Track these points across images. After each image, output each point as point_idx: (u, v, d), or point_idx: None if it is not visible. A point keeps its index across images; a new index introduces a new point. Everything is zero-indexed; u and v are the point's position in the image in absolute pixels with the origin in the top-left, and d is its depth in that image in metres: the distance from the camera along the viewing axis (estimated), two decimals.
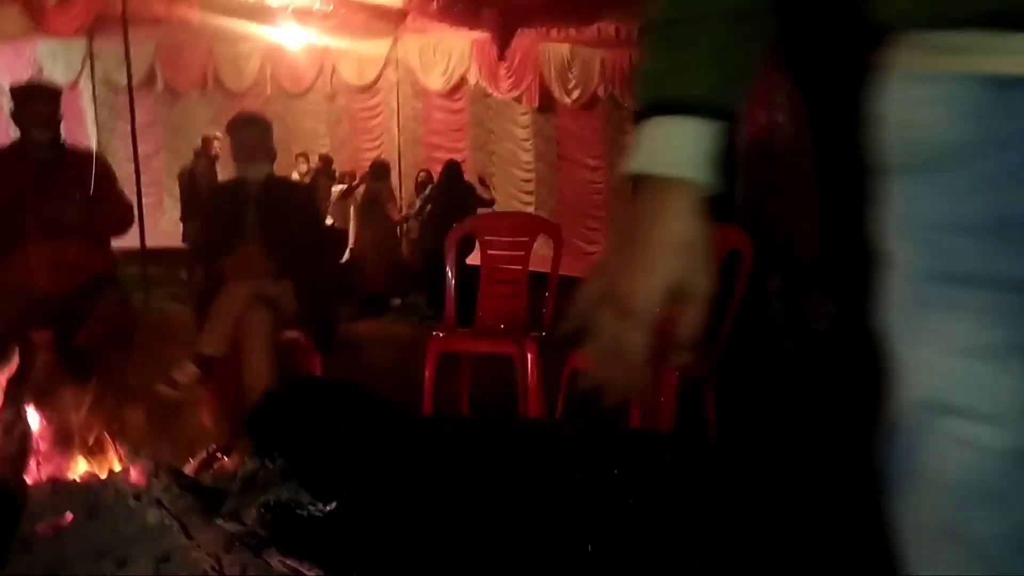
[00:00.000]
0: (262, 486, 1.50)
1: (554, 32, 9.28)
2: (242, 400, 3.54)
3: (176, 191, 8.55)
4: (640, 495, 1.80)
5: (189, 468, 1.90)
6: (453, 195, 7.94)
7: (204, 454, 1.93)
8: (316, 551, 1.45)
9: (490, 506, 1.56)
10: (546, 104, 9.62)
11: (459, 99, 10.08)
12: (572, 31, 9.16)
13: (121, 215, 3.65)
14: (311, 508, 1.47)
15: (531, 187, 10.24)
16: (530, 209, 10.23)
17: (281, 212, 3.78)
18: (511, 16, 8.07)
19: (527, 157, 10.24)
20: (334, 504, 1.48)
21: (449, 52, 9.59)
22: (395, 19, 8.47)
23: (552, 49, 9.28)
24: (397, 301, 7.66)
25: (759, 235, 6.36)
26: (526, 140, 10.14)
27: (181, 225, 8.18)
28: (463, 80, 9.73)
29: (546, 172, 10.20)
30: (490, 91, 9.63)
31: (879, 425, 0.87)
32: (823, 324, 6.09)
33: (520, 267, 3.69)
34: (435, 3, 7.82)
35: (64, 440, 1.76)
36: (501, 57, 8.66)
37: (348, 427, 1.57)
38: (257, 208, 3.77)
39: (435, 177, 8.65)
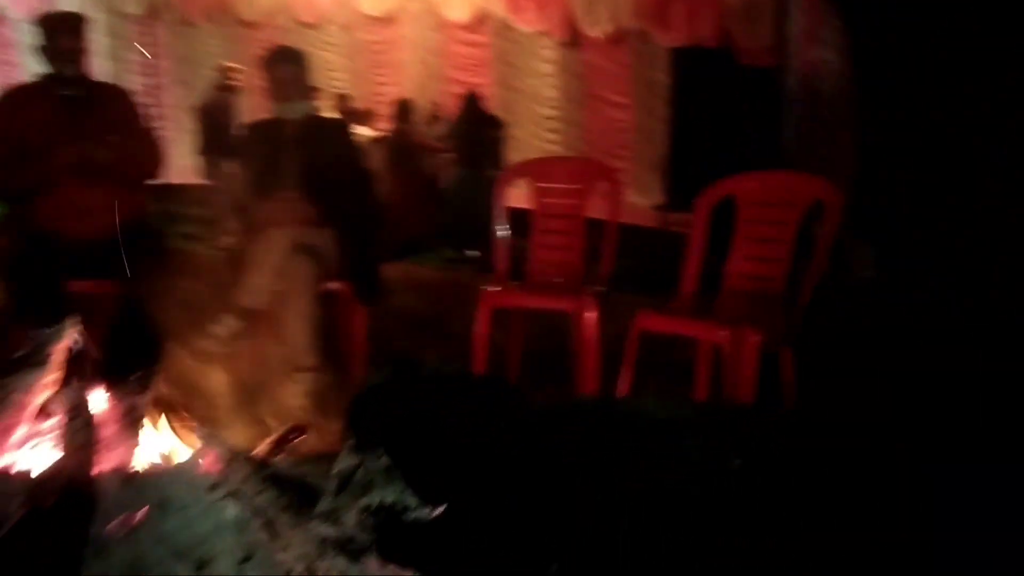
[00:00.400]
0: (362, 486, 1.33)
1: None
2: (284, 356, 3.38)
3: (188, 125, 8.27)
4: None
5: (261, 450, 1.73)
6: (475, 129, 7.68)
7: (277, 435, 1.75)
8: (422, 559, 1.28)
9: (611, 510, 1.39)
10: (573, 38, 9.26)
11: (482, 32, 9.70)
12: None
13: (154, 155, 3.42)
14: (417, 512, 1.30)
15: (555, 125, 9.93)
16: (554, 148, 9.95)
17: (323, 154, 3.55)
18: None
19: (552, 94, 9.91)
20: (443, 508, 1.30)
21: None
22: None
23: None
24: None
25: None
26: (551, 76, 9.78)
27: (197, 160, 7.94)
28: (486, 12, 9.34)
29: (572, 110, 9.87)
30: (514, 23, 9.26)
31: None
32: (866, 272, 5.85)
33: (576, 215, 3.48)
34: None
35: (131, 423, 1.59)
36: None
37: (459, 421, 1.39)
38: (296, 150, 3.55)
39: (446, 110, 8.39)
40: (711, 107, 6.72)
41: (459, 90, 9.02)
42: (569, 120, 9.96)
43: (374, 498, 1.32)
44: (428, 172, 7.94)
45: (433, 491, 1.33)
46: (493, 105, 9.16)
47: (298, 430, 1.78)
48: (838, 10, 6.26)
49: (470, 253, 7.63)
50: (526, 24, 9.24)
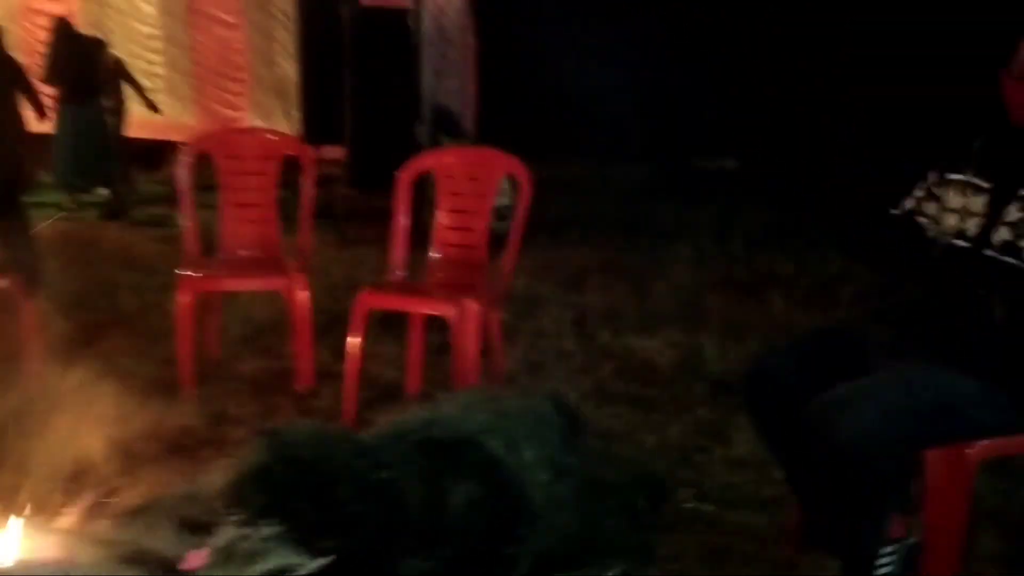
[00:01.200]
0: (249, 555, 1.36)
1: None
2: None
3: None
4: None
5: (74, 520, 1.61)
6: (74, 57, 6.84)
7: (88, 501, 1.64)
8: None
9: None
10: None
11: None
12: None
13: None
14: (306, 568, 1.37)
15: (158, 45, 9.15)
16: (158, 70, 9.18)
17: None
18: None
19: (150, 10, 9.07)
20: (328, 560, 1.40)
21: None
22: None
23: None
24: None
25: (437, 111, 6.54)
26: None
27: None
28: None
29: (175, 28, 9.14)
30: None
31: None
32: None
33: (269, 189, 3.44)
34: None
35: None
36: None
37: (332, 480, 1.46)
38: None
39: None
40: (342, 42, 6.74)
41: (42, 6, 7.89)
42: (172, 39, 9.23)
43: (266, 564, 1.38)
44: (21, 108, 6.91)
45: (318, 547, 1.43)
46: (84, 25, 8.18)
47: (109, 492, 1.68)
48: None
49: (89, 197, 6.93)
50: None
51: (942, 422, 1.90)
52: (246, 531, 1.39)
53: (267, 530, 1.39)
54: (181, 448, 2.77)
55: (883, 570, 2.03)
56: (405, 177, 3.23)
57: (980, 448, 1.90)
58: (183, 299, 3.13)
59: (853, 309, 3.94)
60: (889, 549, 2.03)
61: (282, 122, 8.29)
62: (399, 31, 6.07)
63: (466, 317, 2.87)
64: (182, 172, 3.35)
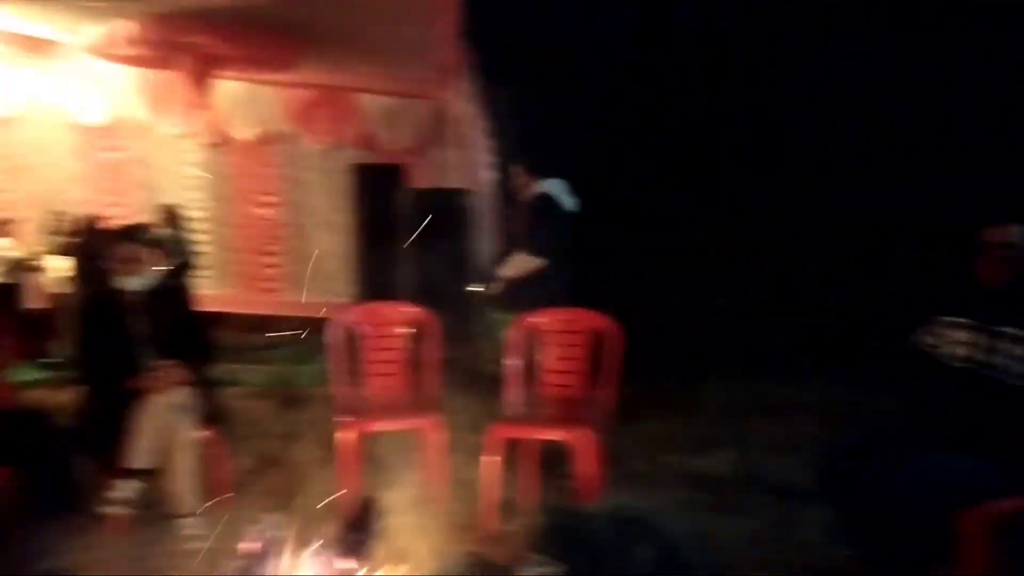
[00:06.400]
0: None
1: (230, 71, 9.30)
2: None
3: None
4: None
5: None
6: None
7: None
8: None
9: None
10: (220, 140, 9.60)
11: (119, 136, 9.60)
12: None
13: None
14: None
15: (205, 225, 10.12)
16: (207, 248, 10.01)
17: (173, 320, 3.93)
18: (205, 62, 8.02)
19: (196, 195, 10.07)
20: None
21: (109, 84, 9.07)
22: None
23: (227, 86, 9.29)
24: None
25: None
26: (195, 177, 9.98)
27: None
28: (124, 116, 9.25)
29: (220, 209, 10.14)
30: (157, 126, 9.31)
31: None
32: None
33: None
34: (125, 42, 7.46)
35: None
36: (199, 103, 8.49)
37: None
38: (143, 318, 3.87)
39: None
40: (395, 218, 7.83)
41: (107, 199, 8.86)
42: (218, 219, 10.17)
43: None
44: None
45: None
46: (135, 210, 9.09)
47: None
48: None
49: None
50: (172, 127, 9.34)
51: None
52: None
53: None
54: None
55: None
56: (516, 334, 4.10)
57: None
58: (344, 438, 3.88)
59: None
60: None
61: (313, 291, 9.32)
62: (458, 206, 7.29)
63: (583, 441, 3.66)
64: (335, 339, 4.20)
